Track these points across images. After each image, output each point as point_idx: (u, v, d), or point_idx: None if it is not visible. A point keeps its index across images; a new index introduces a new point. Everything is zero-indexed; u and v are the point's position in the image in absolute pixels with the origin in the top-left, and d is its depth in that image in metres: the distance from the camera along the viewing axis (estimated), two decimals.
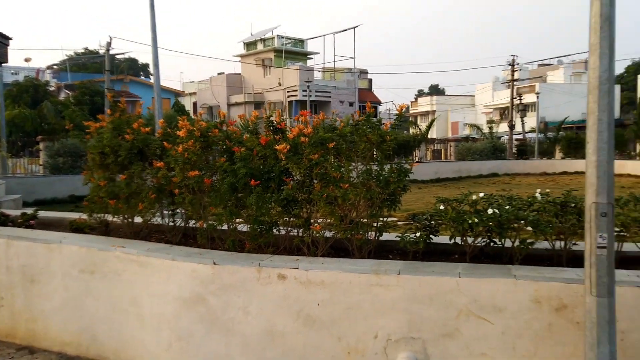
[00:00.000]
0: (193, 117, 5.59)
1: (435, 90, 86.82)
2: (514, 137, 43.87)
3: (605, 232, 3.21)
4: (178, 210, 5.47)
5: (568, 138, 34.90)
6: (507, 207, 4.42)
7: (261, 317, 4.25)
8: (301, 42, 54.10)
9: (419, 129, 37.40)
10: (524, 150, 40.68)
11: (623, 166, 28.38)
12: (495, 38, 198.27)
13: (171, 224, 5.50)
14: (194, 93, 58.03)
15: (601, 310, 3.22)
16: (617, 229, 4.42)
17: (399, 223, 8.24)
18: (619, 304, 3.37)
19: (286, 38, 52.30)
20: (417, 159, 34.14)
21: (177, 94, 54.65)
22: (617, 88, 57.30)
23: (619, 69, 70.26)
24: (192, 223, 5.33)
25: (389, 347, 3.87)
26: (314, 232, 4.49)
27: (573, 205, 4.36)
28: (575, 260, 4.12)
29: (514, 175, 30.79)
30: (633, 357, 3.57)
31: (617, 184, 20.69)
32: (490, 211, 4.31)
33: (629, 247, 4.52)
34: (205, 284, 4.45)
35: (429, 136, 40.23)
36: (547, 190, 4.77)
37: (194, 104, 55.83)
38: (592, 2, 3.16)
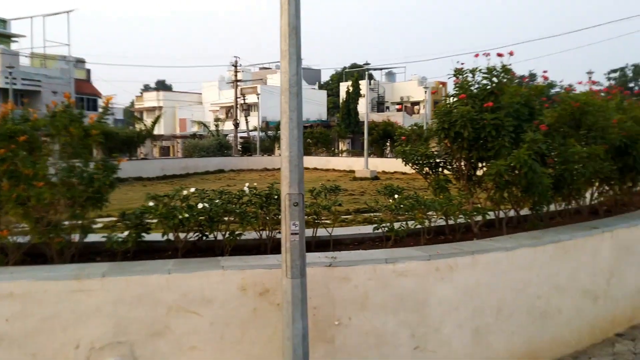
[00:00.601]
0: None
1: (162, 86, 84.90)
2: (239, 135, 46.05)
3: (297, 220, 3.58)
4: None
5: None
6: (217, 201, 4.58)
7: None
8: (3, 22, 46.57)
9: (145, 124, 36.15)
10: (247, 148, 43.07)
11: (329, 162, 32.55)
12: (220, 38, 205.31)
13: None
14: None
15: (295, 290, 3.57)
16: (313, 216, 5.02)
17: (118, 223, 7.77)
18: (311, 283, 3.80)
19: None
20: (142, 156, 32.94)
21: None
22: (325, 93, 65.29)
23: (326, 77, 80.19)
24: None
25: (92, 356, 3.60)
26: (2, 238, 3.90)
27: (276, 197, 4.76)
28: (279, 247, 4.50)
29: (239, 171, 32.38)
30: (323, 329, 4.08)
31: (324, 178, 23.56)
32: (200, 206, 4.39)
33: (322, 232, 5.17)
34: None
35: (156, 132, 39.21)
36: (255, 184, 5.10)
37: None
38: (281, 14, 3.47)
